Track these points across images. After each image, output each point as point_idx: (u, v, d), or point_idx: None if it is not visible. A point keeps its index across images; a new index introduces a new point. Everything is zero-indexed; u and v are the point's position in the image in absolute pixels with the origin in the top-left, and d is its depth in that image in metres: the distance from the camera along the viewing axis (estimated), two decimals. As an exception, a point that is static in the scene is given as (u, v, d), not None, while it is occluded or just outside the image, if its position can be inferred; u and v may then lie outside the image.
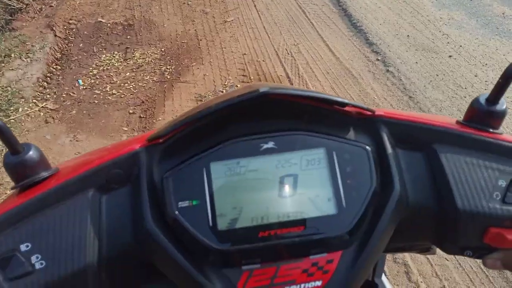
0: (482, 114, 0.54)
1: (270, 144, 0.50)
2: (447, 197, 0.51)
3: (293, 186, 0.49)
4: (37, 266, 0.44)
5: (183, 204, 0.47)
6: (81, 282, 0.46)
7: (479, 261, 2.14)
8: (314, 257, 0.48)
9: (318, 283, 0.47)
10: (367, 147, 0.51)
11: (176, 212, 0.47)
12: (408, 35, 4.07)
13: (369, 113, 0.54)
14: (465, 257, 2.11)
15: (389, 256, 2.09)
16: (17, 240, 0.45)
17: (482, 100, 0.54)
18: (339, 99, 0.51)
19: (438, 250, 0.72)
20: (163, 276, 0.50)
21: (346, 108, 0.53)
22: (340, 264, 0.48)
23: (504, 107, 0.54)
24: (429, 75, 3.51)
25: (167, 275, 0.49)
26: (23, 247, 0.45)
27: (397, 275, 2.02)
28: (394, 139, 0.53)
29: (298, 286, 0.47)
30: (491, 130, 0.54)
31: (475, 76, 3.47)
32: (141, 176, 0.49)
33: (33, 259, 0.45)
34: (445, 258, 2.11)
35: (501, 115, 0.54)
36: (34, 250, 0.45)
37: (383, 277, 0.93)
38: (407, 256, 2.11)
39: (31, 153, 0.49)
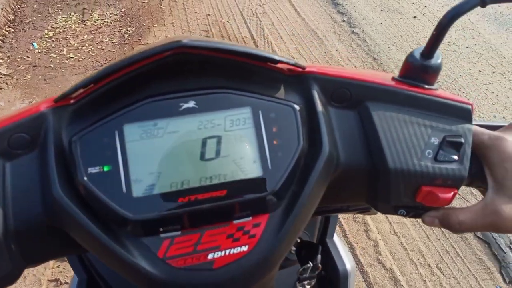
0: (417, 69, 0.52)
1: (191, 104, 0.46)
2: (379, 155, 0.49)
3: (217, 148, 0.46)
4: None
5: (93, 170, 0.43)
6: None
7: (435, 218, 2.21)
8: (239, 221, 0.46)
9: (244, 248, 0.45)
10: (295, 105, 0.48)
11: (85, 178, 0.43)
12: (374, -4, 4.03)
13: (299, 69, 0.50)
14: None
15: (349, 216, 2.14)
16: None
17: (417, 54, 0.51)
18: (269, 56, 0.47)
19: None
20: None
21: (277, 65, 0.50)
22: (267, 227, 0.45)
23: (439, 61, 0.51)
24: (393, 36, 3.51)
25: (84, 246, 0.46)
26: None
27: (357, 233, 2.08)
28: (326, 97, 0.51)
29: (223, 252, 0.44)
30: (426, 86, 0.52)
31: (439, 37, 3.48)
32: (48, 139, 0.44)
33: None
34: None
35: (436, 69, 0.51)
36: None
37: (335, 237, 0.94)
38: (366, 215, 2.16)
39: None
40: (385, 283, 1.88)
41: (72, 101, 0.46)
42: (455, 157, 0.49)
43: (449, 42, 3.44)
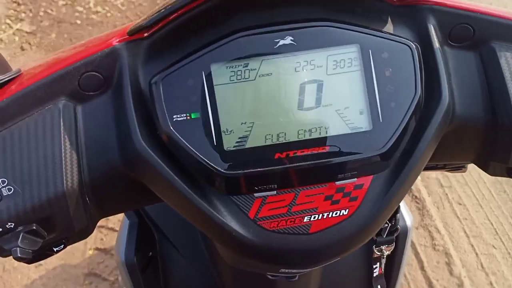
0: None
1: (288, 40, 0.40)
2: (503, 107, 0.43)
3: (317, 96, 0.40)
4: (4, 192, 0.38)
5: (179, 117, 0.39)
6: (60, 209, 0.39)
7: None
8: (341, 182, 0.41)
9: (344, 212, 0.40)
10: (412, 43, 0.42)
11: (171, 128, 0.39)
12: None
13: None
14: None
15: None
16: None
17: None
18: None
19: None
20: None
21: None
22: (371, 190, 0.41)
23: None
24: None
25: (166, 202, 0.42)
26: None
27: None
28: (443, 34, 0.44)
29: (320, 215, 0.40)
30: None
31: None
32: (123, 80, 0.40)
33: None
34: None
35: None
36: None
37: None
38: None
39: None
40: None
41: (145, 34, 0.40)
42: None
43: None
